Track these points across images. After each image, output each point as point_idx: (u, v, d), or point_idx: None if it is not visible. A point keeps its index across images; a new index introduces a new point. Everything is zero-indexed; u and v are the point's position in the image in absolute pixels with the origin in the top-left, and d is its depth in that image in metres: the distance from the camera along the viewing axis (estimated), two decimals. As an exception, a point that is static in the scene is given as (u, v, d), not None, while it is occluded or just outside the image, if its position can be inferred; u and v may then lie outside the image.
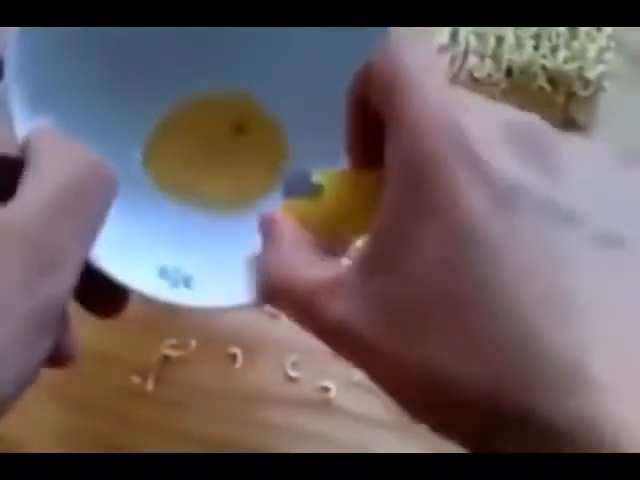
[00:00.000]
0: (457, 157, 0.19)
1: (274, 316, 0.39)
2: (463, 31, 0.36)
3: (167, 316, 0.39)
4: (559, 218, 0.19)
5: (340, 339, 0.22)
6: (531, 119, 0.21)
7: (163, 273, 0.27)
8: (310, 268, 0.23)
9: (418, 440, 0.37)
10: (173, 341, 0.38)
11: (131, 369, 0.38)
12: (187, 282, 0.27)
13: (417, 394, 0.20)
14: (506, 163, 0.19)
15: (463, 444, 0.20)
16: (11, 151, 0.24)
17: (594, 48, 0.36)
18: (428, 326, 0.19)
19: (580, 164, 0.20)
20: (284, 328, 0.39)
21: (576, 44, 0.32)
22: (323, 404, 0.38)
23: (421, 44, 0.22)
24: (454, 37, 0.36)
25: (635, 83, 0.42)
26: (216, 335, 0.39)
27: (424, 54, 0.21)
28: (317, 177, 0.25)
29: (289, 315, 0.24)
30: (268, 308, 0.39)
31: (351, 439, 0.37)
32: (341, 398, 0.38)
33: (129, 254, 0.26)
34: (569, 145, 0.20)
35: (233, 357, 0.38)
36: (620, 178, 0.21)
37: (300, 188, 0.25)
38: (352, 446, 0.37)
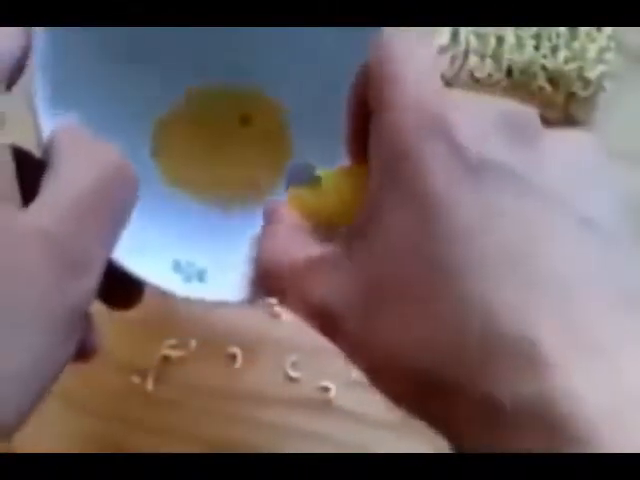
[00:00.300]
0: (437, 142, 0.20)
1: (274, 316, 0.39)
2: (463, 31, 0.36)
3: (167, 316, 0.39)
4: (535, 198, 0.19)
5: (325, 321, 0.22)
6: (524, 110, 0.21)
7: (177, 267, 0.27)
8: (302, 252, 0.24)
9: (418, 440, 0.37)
10: (173, 341, 0.38)
11: (131, 369, 0.38)
12: (201, 276, 0.27)
13: (390, 380, 0.21)
14: (488, 147, 0.20)
15: (441, 433, 0.20)
16: (32, 143, 0.23)
17: (594, 48, 0.36)
18: (395, 308, 0.20)
19: (563, 150, 0.20)
20: (284, 328, 0.39)
21: (576, 44, 0.32)
22: (323, 404, 0.38)
23: (415, 40, 0.22)
24: (454, 37, 0.36)
25: (635, 83, 0.42)
26: (216, 335, 0.39)
27: (414, 49, 0.21)
28: (318, 169, 0.26)
29: (282, 302, 0.25)
30: (268, 307, 0.39)
31: (351, 439, 0.37)
32: (341, 398, 0.38)
33: (144, 249, 0.26)
34: (555, 134, 0.21)
35: (233, 357, 0.38)
36: (598, 166, 0.21)
37: (301, 178, 0.26)
38: (352, 446, 0.37)
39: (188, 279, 0.27)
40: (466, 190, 0.19)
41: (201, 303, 0.26)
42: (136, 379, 0.38)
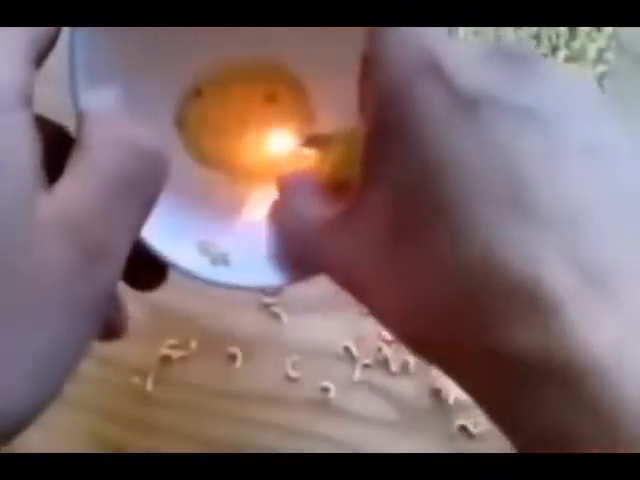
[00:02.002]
0: (427, 80, 0.19)
1: (274, 316, 0.39)
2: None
3: (167, 316, 0.39)
4: (534, 128, 0.18)
5: (344, 279, 0.22)
6: (523, 47, 0.20)
7: (203, 249, 0.27)
8: (318, 214, 0.24)
9: (418, 440, 0.37)
10: (173, 341, 0.38)
11: (131, 369, 0.38)
12: (225, 258, 0.27)
13: (406, 334, 0.21)
14: (481, 79, 0.19)
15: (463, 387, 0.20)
16: (66, 118, 0.22)
17: (594, 48, 0.36)
18: (402, 259, 0.20)
19: (559, 75, 0.20)
20: (284, 328, 0.39)
21: (576, 44, 0.33)
22: (323, 404, 0.38)
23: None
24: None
25: (635, 83, 0.42)
26: (216, 335, 0.39)
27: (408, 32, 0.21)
28: (330, 133, 0.26)
29: (304, 268, 0.25)
30: (267, 307, 0.39)
31: (351, 439, 0.37)
32: (341, 398, 0.38)
33: (169, 229, 0.25)
34: (553, 65, 0.20)
35: (233, 357, 0.38)
36: (595, 90, 0.20)
37: (316, 143, 0.27)
38: (352, 446, 0.37)
39: (214, 262, 0.26)
40: (461, 127, 0.18)
41: (226, 287, 0.26)
42: (136, 379, 0.38)
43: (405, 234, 0.20)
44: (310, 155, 0.26)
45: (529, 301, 0.17)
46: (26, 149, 0.19)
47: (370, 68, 0.21)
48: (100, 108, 0.22)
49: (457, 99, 0.19)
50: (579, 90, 0.20)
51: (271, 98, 0.32)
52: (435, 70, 0.19)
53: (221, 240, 0.28)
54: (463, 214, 0.18)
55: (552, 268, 0.17)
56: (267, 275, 0.26)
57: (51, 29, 0.21)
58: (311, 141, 0.27)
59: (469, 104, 0.19)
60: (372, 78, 0.21)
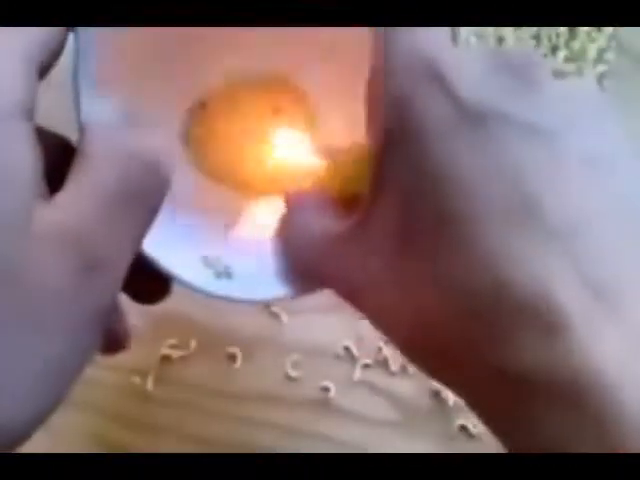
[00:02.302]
0: (427, 86, 0.19)
1: (274, 316, 0.39)
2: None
3: (167, 316, 0.39)
4: (536, 142, 0.18)
5: (348, 292, 0.22)
6: (528, 52, 0.20)
7: (207, 262, 0.27)
8: (325, 230, 0.24)
9: (418, 440, 0.37)
10: (173, 341, 0.38)
11: (131, 369, 0.38)
12: (228, 271, 0.27)
13: (409, 341, 0.21)
14: (485, 93, 0.19)
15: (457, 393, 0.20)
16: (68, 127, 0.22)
17: (594, 48, 0.36)
18: (407, 275, 0.20)
19: (560, 91, 0.20)
20: (284, 328, 0.39)
21: (576, 44, 0.32)
22: (323, 404, 0.38)
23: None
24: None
25: (635, 83, 0.42)
26: (216, 335, 0.39)
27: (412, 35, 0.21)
28: (340, 147, 0.26)
29: (309, 280, 0.25)
30: (267, 307, 0.39)
31: (351, 439, 0.37)
32: (341, 398, 0.38)
33: (173, 242, 0.25)
34: (555, 72, 0.20)
35: (233, 357, 0.38)
36: (598, 98, 0.20)
37: (325, 157, 0.27)
38: (352, 446, 0.37)
39: (218, 275, 0.26)
40: (465, 139, 0.18)
41: (228, 301, 0.25)
42: (136, 379, 0.38)
43: (410, 246, 0.19)
44: (319, 169, 0.26)
45: (534, 318, 0.17)
46: (27, 160, 0.19)
47: (376, 79, 0.21)
48: (103, 118, 0.22)
49: (461, 111, 0.19)
50: (580, 101, 0.20)
51: (277, 111, 0.32)
52: (439, 81, 0.19)
53: (224, 253, 0.27)
54: (467, 225, 0.18)
55: (558, 284, 0.17)
56: (270, 289, 0.26)
57: (56, 41, 0.21)
58: (320, 155, 0.27)
59: (473, 116, 0.18)
60: (378, 89, 0.21)
